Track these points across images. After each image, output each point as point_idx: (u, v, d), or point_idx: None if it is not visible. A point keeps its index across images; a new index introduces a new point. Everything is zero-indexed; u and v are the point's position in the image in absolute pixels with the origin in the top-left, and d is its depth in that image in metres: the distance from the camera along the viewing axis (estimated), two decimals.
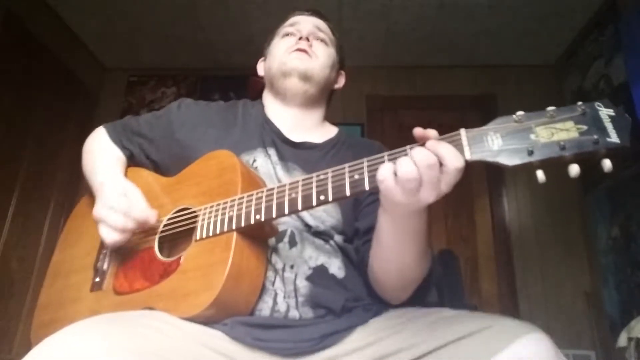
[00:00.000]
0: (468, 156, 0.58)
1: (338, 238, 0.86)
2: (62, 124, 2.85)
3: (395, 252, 0.74)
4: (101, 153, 0.99)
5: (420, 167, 0.57)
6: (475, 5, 2.60)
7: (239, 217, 0.72)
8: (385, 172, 0.59)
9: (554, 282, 2.65)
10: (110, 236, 0.79)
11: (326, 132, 1.04)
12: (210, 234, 0.74)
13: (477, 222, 2.88)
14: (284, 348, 0.70)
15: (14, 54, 2.44)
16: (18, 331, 2.40)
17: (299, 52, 0.98)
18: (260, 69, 1.11)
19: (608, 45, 2.47)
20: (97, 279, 0.86)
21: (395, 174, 0.58)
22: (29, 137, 2.58)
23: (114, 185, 0.86)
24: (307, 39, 1.00)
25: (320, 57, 1.01)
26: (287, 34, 1.05)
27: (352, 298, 0.80)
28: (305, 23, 1.05)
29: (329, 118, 1.09)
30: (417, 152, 0.58)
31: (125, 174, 0.98)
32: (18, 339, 2.38)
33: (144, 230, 0.84)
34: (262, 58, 1.12)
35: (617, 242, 2.37)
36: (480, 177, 2.93)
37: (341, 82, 1.12)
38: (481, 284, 2.74)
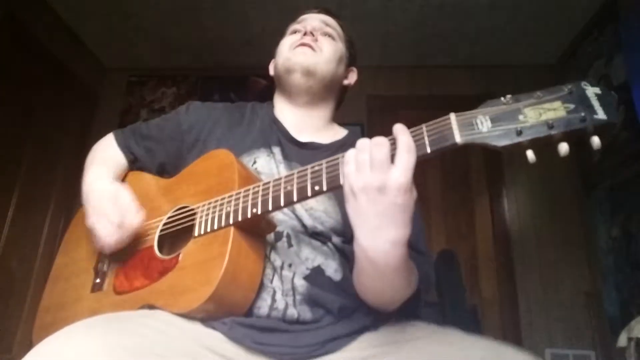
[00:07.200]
0: (458, 139, 0.58)
1: (336, 240, 0.85)
2: (62, 124, 2.85)
3: (375, 290, 0.73)
4: (101, 159, 0.99)
5: (372, 144, 0.59)
6: (475, 5, 2.60)
7: (235, 212, 0.72)
8: (349, 155, 0.61)
9: (554, 282, 2.65)
10: (106, 244, 0.81)
11: (334, 134, 1.03)
12: (209, 230, 0.75)
13: (476, 222, 2.88)
14: (282, 353, 0.70)
15: (14, 54, 2.44)
16: (18, 331, 2.40)
17: (303, 46, 0.98)
18: (271, 69, 1.10)
19: (608, 45, 2.46)
20: (98, 280, 0.87)
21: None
22: (29, 137, 2.58)
23: (102, 190, 0.86)
24: (312, 34, 1.00)
25: (325, 52, 0.99)
26: (294, 31, 1.05)
27: (351, 300, 0.79)
28: (312, 20, 1.05)
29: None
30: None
31: (125, 178, 0.99)
32: (18, 338, 2.38)
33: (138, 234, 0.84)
34: (274, 59, 1.11)
35: (617, 242, 2.37)
36: (480, 177, 2.91)
37: (352, 78, 1.09)
38: (481, 284, 2.74)
